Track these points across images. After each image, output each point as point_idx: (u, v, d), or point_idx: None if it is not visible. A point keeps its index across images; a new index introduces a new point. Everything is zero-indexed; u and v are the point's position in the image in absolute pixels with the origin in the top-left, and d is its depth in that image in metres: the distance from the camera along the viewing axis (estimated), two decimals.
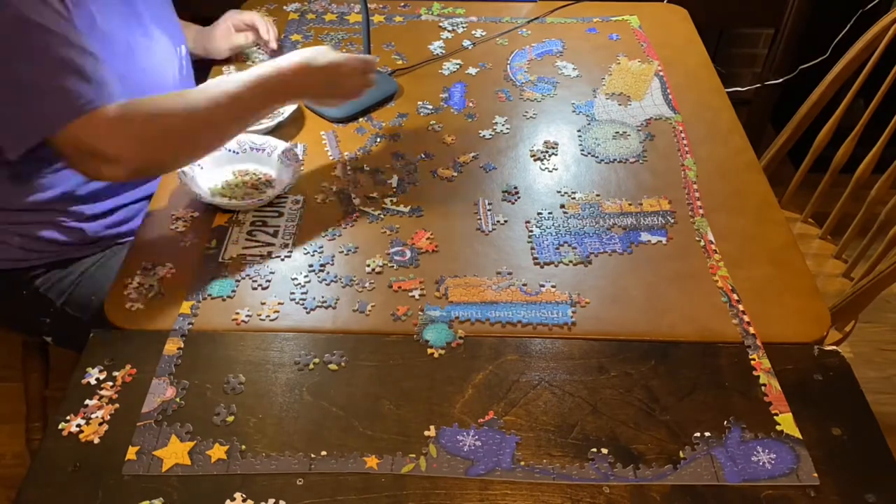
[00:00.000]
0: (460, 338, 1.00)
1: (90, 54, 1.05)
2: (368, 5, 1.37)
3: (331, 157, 1.29)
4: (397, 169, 1.27)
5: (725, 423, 0.91)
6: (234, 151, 1.23)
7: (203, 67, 1.48)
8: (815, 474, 0.87)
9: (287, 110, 1.33)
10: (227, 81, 1.12)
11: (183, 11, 1.42)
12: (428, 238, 1.14)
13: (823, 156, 1.60)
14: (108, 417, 0.90)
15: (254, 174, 1.23)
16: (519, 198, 1.22)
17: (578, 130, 1.35)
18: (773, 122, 2.48)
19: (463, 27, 1.61)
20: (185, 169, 1.17)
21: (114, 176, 1.08)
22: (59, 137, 1.03)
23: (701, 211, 1.19)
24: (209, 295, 1.05)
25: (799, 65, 2.25)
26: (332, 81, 1.18)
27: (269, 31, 1.49)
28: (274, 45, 1.48)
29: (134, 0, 1.23)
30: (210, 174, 1.21)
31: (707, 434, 0.90)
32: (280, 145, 1.23)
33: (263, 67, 1.13)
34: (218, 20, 1.49)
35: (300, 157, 1.22)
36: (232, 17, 1.49)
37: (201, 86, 1.14)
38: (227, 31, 1.48)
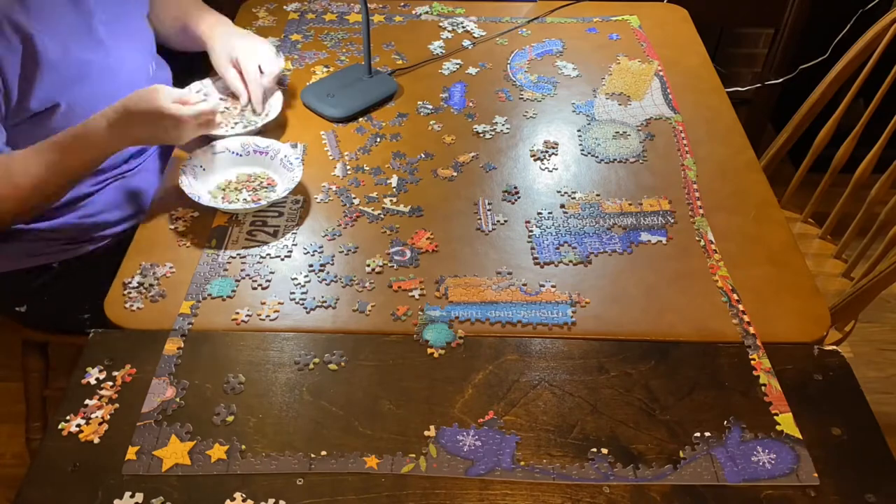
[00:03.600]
0: (460, 338, 1.00)
1: None
2: (368, 5, 1.37)
3: (331, 157, 1.29)
4: (397, 169, 1.27)
5: (725, 422, 0.91)
6: (236, 153, 1.23)
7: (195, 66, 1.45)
8: (815, 474, 0.87)
9: (274, 110, 1.32)
10: (55, 148, 1.12)
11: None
12: (428, 238, 1.14)
13: (823, 156, 1.60)
14: (108, 417, 0.90)
15: (256, 177, 1.22)
16: (519, 198, 1.22)
17: (578, 130, 1.35)
18: (773, 122, 2.48)
19: (463, 27, 1.61)
20: (187, 171, 1.17)
21: None
22: None
23: (701, 211, 1.19)
24: (209, 295, 1.05)
25: (799, 65, 2.25)
26: (159, 131, 1.14)
27: (270, 76, 1.34)
28: (259, 108, 1.33)
29: (93, 25, 1.21)
30: (212, 176, 1.21)
31: (707, 434, 0.90)
32: (283, 148, 1.23)
33: (91, 125, 1.12)
34: (228, 49, 1.36)
35: (302, 160, 1.21)
36: (236, 55, 1.34)
37: (33, 151, 1.13)
38: (224, 63, 1.35)
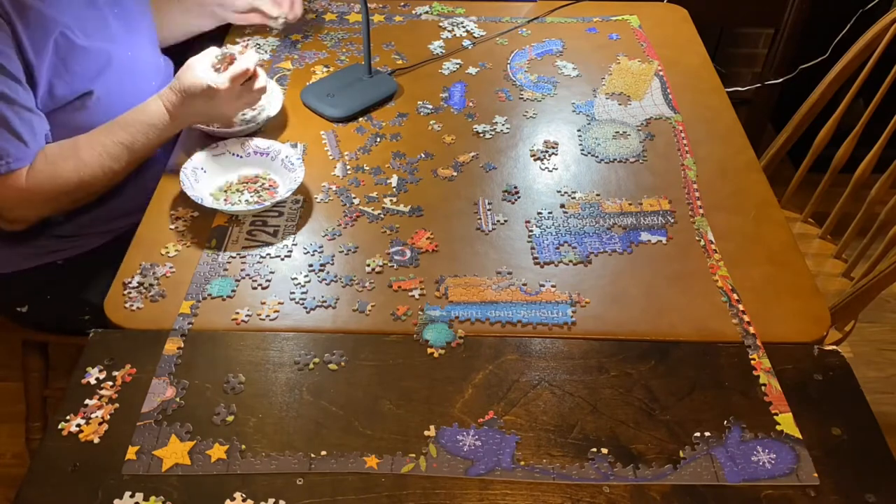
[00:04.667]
0: (460, 337, 1.00)
1: (22, 107, 1.12)
2: (368, 5, 1.37)
3: (331, 157, 1.29)
4: (397, 169, 1.27)
5: (725, 422, 0.91)
6: (237, 155, 1.23)
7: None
8: (815, 474, 0.87)
9: (273, 107, 1.32)
10: (119, 127, 1.19)
11: None
12: (428, 238, 1.14)
13: (823, 156, 1.60)
14: (108, 417, 0.90)
15: (257, 178, 1.22)
16: (519, 197, 1.22)
17: (578, 130, 1.35)
18: (773, 122, 2.48)
19: (463, 27, 1.61)
20: (188, 172, 1.17)
21: (9, 228, 1.24)
22: None
23: (701, 211, 1.19)
24: (209, 294, 1.05)
25: (799, 65, 2.25)
26: (210, 106, 1.20)
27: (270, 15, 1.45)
28: (298, 10, 1.46)
29: (108, 18, 1.25)
30: (213, 178, 1.21)
31: (707, 434, 0.90)
32: (284, 149, 1.22)
33: (149, 107, 1.19)
34: None
35: (303, 161, 1.21)
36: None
37: (98, 131, 1.20)
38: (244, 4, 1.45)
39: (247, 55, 1.20)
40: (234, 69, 1.17)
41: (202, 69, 1.17)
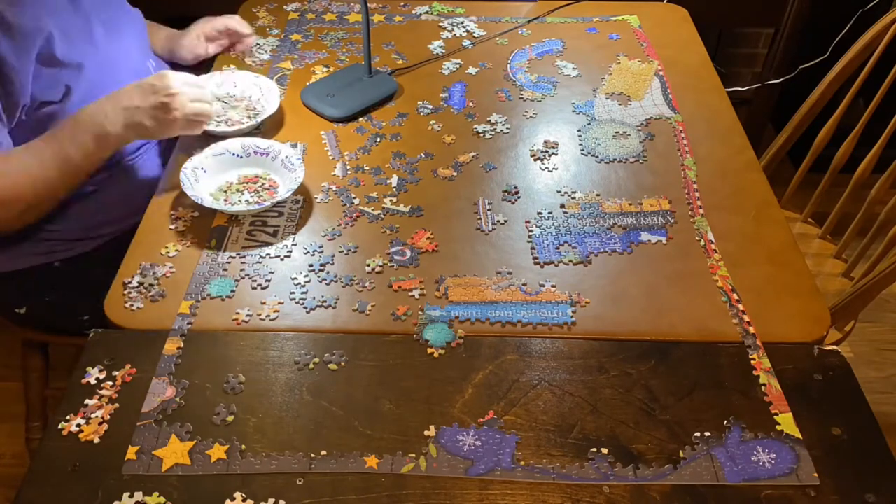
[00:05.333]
0: (460, 337, 1.00)
1: None
2: (368, 5, 1.37)
3: (331, 157, 1.29)
4: (397, 169, 1.27)
5: (725, 422, 0.91)
6: (237, 155, 1.23)
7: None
8: (815, 474, 0.87)
9: (271, 106, 1.32)
10: (45, 141, 1.15)
11: (184, 10, 1.42)
12: (428, 238, 1.14)
13: (823, 156, 1.60)
14: (108, 417, 0.90)
15: (257, 178, 1.22)
16: (519, 197, 1.22)
17: (578, 130, 1.35)
18: (773, 122, 2.48)
19: (463, 27, 1.61)
20: (188, 172, 1.17)
21: None
22: None
23: (701, 211, 1.19)
24: (209, 294, 1.05)
25: (799, 65, 2.25)
26: (145, 100, 1.14)
27: (245, 27, 1.47)
28: (251, 40, 1.47)
29: (91, 21, 1.23)
30: (213, 177, 1.21)
31: (707, 434, 0.90)
32: (284, 149, 1.22)
33: (81, 110, 1.16)
34: (190, 26, 1.47)
35: (303, 161, 1.21)
36: (203, 26, 1.46)
37: (26, 146, 1.16)
38: (194, 42, 1.46)
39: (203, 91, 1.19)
40: (199, 107, 1.18)
41: (153, 92, 1.15)
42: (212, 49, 1.48)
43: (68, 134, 1.15)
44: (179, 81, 1.15)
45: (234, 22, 1.46)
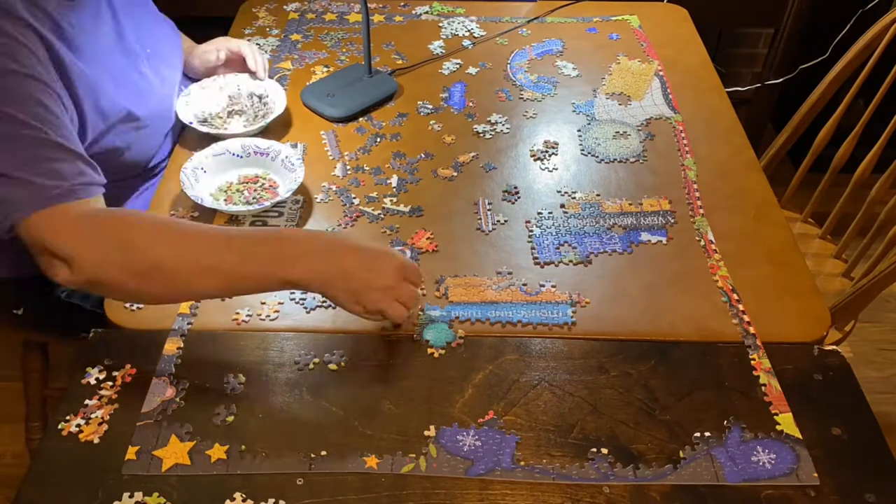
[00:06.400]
0: (460, 338, 1.00)
1: (67, 148, 0.98)
2: (368, 5, 1.37)
3: (331, 157, 1.29)
4: (397, 169, 1.27)
5: (725, 422, 0.91)
6: (237, 155, 1.23)
7: None
8: (815, 474, 0.87)
9: (278, 107, 1.32)
10: (236, 235, 0.95)
11: (185, 10, 1.41)
12: (428, 238, 1.14)
13: (823, 156, 1.60)
14: (108, 417, 0.90)
15: (257, 178, 1.22)
16: (519, 197, 1.22)
17: (578, 130, 1.35)
18: (773, 122, 2.48)
19: (463, 27, 1.61)
20: (188, 172, 1.17)
21: (66, 280, 0.92)
22: (21, 228, 0.95)
23: (701, 211, 1.19)
24: None
25: (799, 65, 2.25)
26: (368, 270, 0.93)
27: (256, 60, 1.36)
28: (262, 75, 1.36)
29: (132, 48, 1.20)
30: (213, 178, 1.21)
31: (707, 434, 0.90)
32: (284, 149, 1.22)
33: (288, 231, 1.01)
34: (207, 43, 1.41)
35: (303, 161, 1.21)
36: (219, 43, 1.40)
37: (211, 228, 0.99)
38: (211, 58, 1.38)
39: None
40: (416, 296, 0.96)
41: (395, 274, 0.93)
42: (211, 57, 1.40)
43: (259, 248, 0.93)
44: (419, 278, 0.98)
45: (248, 51, 1.38)
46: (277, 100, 1.34)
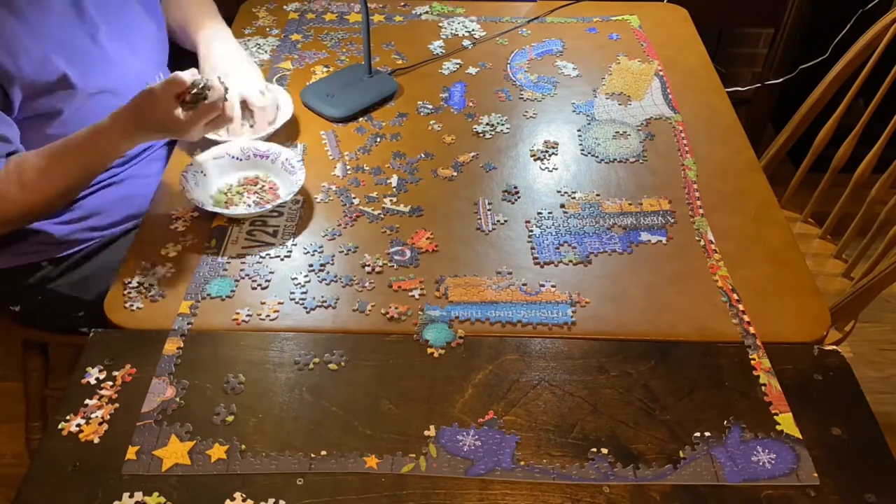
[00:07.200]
0: (460, 337, 1.00)
1: None
2: (368, 5, 1.37)
3: (331, 157, 1.29)
4: (397, 169, 1.27)
5: (725, 422, 0.91)
6: (237, 158, 1.23)
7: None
8: (815, 474, 0.87)
9: (283, 116, 1.32)
10: (67, 152, 1.13)
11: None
12: (428, 238, 1.14)
13: (823, 156, 1.60)
14: (108, 417, 0.90)
15: (258, 179, 1.22)
16: (519, 197, 1.22)
17: (578, 130, 1.35)
18: (773, 122, 2.48)
19: (463, 27, 1.61)
20: (188, 176, 1.17)
21: None
22: None
23: (701, 211, 1.19)
24: (208, 295, 1.05)
25: (799, 65, 2.24)
26: (166, 133, 1.15)
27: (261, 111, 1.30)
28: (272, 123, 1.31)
29: (98, 38, 1.22)
30: (214, 181, 1.20)
31: (707, 434, 0.90)
32: (284, 151, 1.22)
33: (101, 133, 1.12)
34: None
35: (303, 162, 1.21)
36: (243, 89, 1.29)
37: (45, 154, 1.13)
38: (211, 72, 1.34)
39: (214, 91, 1.11)
40: (202, 112, 1.10)
41: (165, 101, 1.09)
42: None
43: (87, 147, 1.13)
44: (188, 117, 1.11)
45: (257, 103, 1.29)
46: (285, 108, 1.33)
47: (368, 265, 1.09)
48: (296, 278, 1.08)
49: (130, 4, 1.32)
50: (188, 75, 1.09)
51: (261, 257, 1.10)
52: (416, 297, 1.05)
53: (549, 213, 1.19)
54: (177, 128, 1.11)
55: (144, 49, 1.33)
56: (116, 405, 0.92)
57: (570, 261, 1.11)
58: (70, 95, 1.19)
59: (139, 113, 1.11)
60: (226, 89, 1.14)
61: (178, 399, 0.93)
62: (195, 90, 1.09)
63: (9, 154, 1.13)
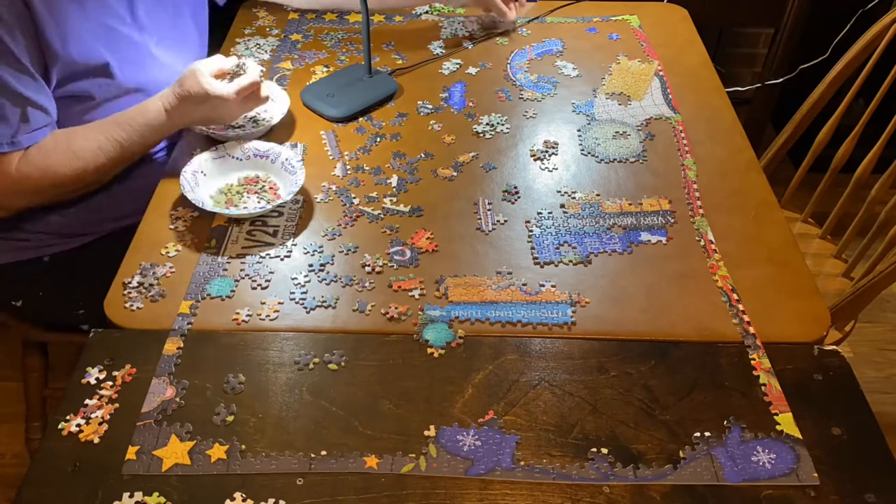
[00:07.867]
0: (460, 337, 1.00)
1: (20, 95, 1.11)
2: (368, 5, 1.37)
3: (331, 157, 1.29)
4: (397, 169, 1.27)
5: (725, 422, 0.91)
6: (237, 158, 1.23)
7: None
8: (815, 474, 0.87)
9: (276, 115, 1.32)
10: (116, 124, 1.20)
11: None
12: (428, 238, 1.14)
13: (823, 156, 1.60)
14: (108, 417, 0.90)
15: (258, 178, 1.22)
16: (519, 197, 1.22)
17: (578, 130, 1.35)
18: (773, 122, 2.48)
19: (463, 27, 1.61)
20: (187, 176, 1.17)
21: None
22: None
23: (701, 211, 1.19)
24: (208, 295, 1.05)
25: (799, 65, 2.25)
26: (211, 112, 1.21)
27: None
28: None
29: (149, 47, 1.29)
30: (214, 181, 1.21)
31: (707, 434, 0.90)
32: (284, 151, 1.22)
33: (149, 107, 1.20)
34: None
35: (303, 162, 1.21)
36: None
37: (95, 126, 1.20)
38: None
39: (252, 68, 1.21)
40: (241, 82, 1.19)
41: (207, 77, 1.18)
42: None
43: (136, 126, 1.20)
44: (220, 89, 1.18)
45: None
46: (279, 106, 1.33)
47: (368, 265, 1.10)
48: (296, 278, 1.08)
49: (184, 18, 1.38)
50: (228, 61, 1.21)
51: (261, 257, 1.10)
52: (416, 297, 1.05)
53: (549, 213, 1.19)
54: (219, 102, 1.18)
55: (187, 58, 1.36)
56: (116, 405, 0.92)
57: (570, 261, 1.11)
58: (107, 84, 1.23)
59: (183, 84, 1.18)
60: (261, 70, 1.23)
61: (178, 399, 0.93)
62: (235, 70, 1.21)
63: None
